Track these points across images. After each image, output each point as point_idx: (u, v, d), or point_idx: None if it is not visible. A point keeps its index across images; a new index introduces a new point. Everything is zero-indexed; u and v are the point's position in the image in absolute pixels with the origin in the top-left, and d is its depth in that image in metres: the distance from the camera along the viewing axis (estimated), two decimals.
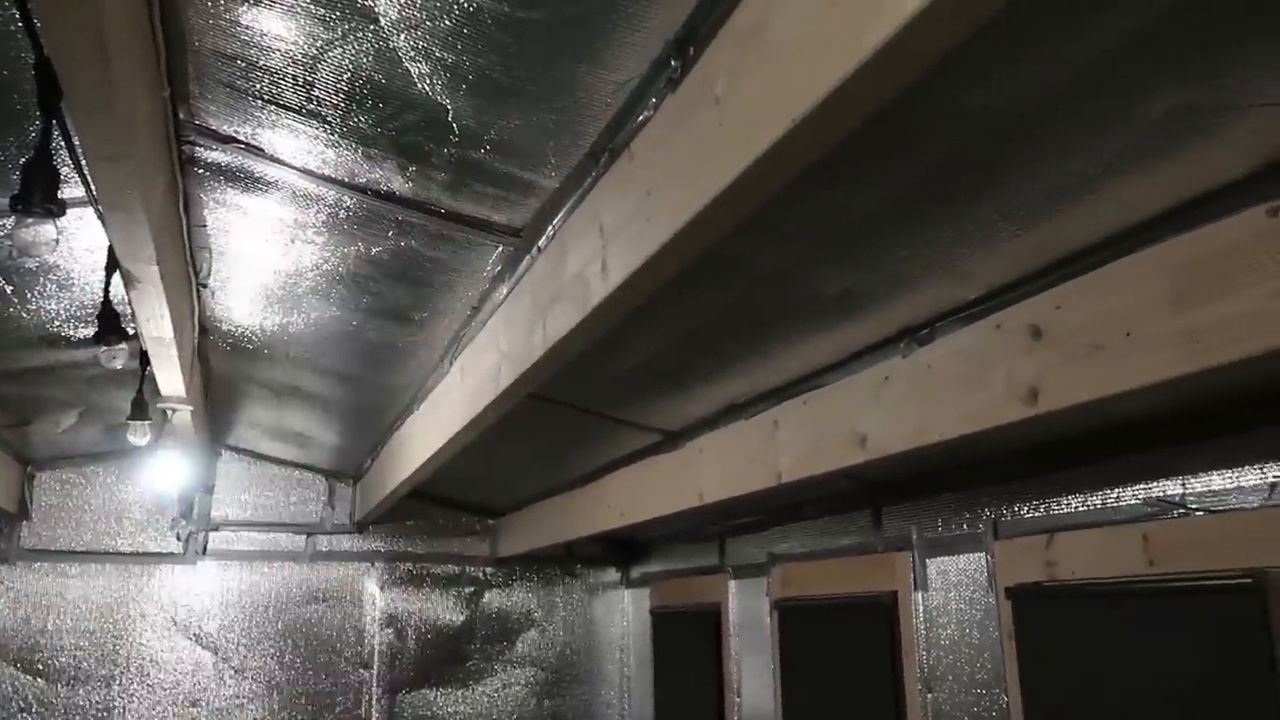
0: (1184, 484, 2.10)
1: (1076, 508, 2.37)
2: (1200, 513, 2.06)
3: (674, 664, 4.41)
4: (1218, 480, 2.02)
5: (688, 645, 4.28)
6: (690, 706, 4.18)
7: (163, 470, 3.54)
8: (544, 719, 4.80)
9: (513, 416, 3.15)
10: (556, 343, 1.75)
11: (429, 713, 4.63)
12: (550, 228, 1.81)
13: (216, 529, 4.56)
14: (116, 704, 4.24)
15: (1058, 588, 2.34)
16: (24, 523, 4.26)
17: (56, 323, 2.60)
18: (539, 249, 1.89)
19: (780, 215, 1.70)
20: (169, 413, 2.83)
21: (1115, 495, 2.26)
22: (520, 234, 1.90)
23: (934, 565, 2.83)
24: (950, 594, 2.75)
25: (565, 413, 2.98)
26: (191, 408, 2.84)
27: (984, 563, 2.62)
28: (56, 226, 1.66)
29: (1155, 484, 2.16)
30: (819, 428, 2.25)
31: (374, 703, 4.55)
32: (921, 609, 2.84)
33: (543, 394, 2.83)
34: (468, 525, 4.91)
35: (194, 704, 4.34)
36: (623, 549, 5.09)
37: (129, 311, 2.10)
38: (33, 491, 4.31)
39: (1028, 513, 2.51)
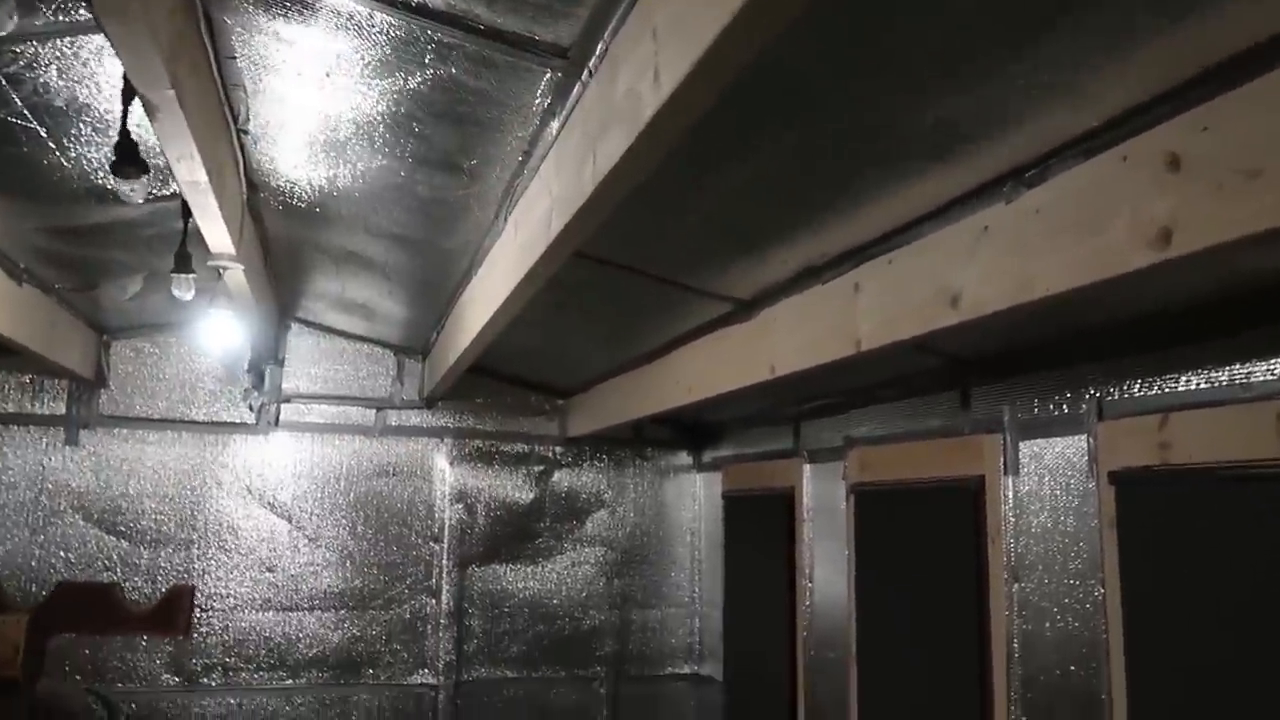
0: None
1: (1198, 384, 2.10)
2: None
3: (745, 548, 4.31)
4: None
5: (759, 530, 4.16)
6: (761, 590, 4.08)
7: (217, 331, 3.48)
8: (613, 598, 4.77)
9: (577, 285, 2.99)
10: (607, 175, 1.54)
11: (498, 587, 4.64)
12: (600, 44, 1.59)
13: (288, 401, 4.56)
14: (196, 566, 4.34)
15: (1171, 472, 2.10)
16: (102, 390, 4.31)
17: (100, 174, 2.49)
18: (590, 72, 1.67)
19: (861, 28, 1.44)
20: (220, 271, 2.73)
21: (1246, 370, 1.98)
22: (568, 54, 1.67)
23: (1027, 449, 2.60)
24: (1044, 479, 2.52)
25: (631, 280, 2.79)
26: (243, 266, 2.73)
27: (1085, 445, 2.38)
28: None
29: None
30: (905, 288, 2.01)
31: (444, 575, 4.57)
32: (1011, 495, 2.62)
33: (607, 258, 2.64)
34: (536, 405, 4.82)
35: (270, 569, 4.42)
36: (693, 433, 4.96)
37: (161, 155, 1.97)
38: (109, 359, 4.34)
39: (1139, 390, 2.25)
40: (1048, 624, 2.46)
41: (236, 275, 2.82)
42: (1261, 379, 1.94)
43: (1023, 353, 2.63)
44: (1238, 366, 2.00)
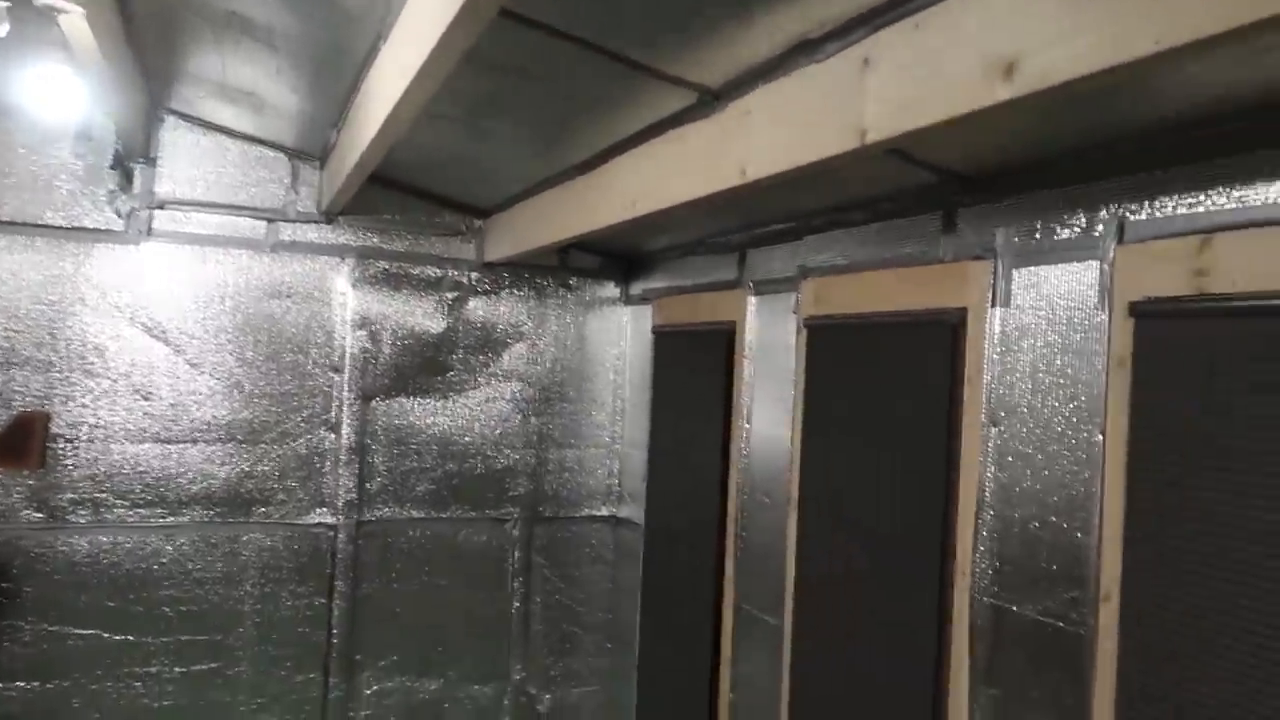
0: None
1: (1246, 200, 1.79)
2: None
3: (676, 387, 4.00)
4: None
5: (693, 368, 3.85)
6: (691, 432, 3.81)
7: (52, 93, 2.86)
8: (529, 436, 4.46)
9: (504, 68, 2.49)
10: None
11: (405, 422, 4.26)
12: None
13: (162, 207, 3.96)
14: (57, 392, 3.82)
15: (1209, 302, 1.81)
16: None
17: None
18: None
19: None
20: (54, 14, 2.14)
21: None
22: None
23: (1021, 277, 2.29)
24: (1040, 312, 2.22)
25: (569, 60, 2.32)
26: (84, 10, 2.15)
27: (1097, 272, 2.07)
28: None
29: None
30: (934, 59, 1.61)
31: (345, 408, 4.16)
32: (998, 329, 2.33)
33: (540, 20, 2.15)
34: (451, 224, 4.32)
35: (145, 397, 3.93)
36: (623, 262, 4.56)
37: None
38: None
39: (1172, 208, 1.93)
40: (1029, 472, 2.22)
41: (78, 24, 2.23)
42: None
43: (1024, 166, 2.29)
44: None
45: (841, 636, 2.79)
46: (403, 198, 4.19)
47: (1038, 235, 2.25)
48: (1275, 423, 1.67)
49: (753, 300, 3.44)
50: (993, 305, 2.35)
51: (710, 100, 2.31)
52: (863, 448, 2.75)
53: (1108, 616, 1.99)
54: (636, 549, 4.29)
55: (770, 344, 3.33)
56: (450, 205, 4.25)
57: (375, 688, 4.21)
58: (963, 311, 2.42)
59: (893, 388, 2.65)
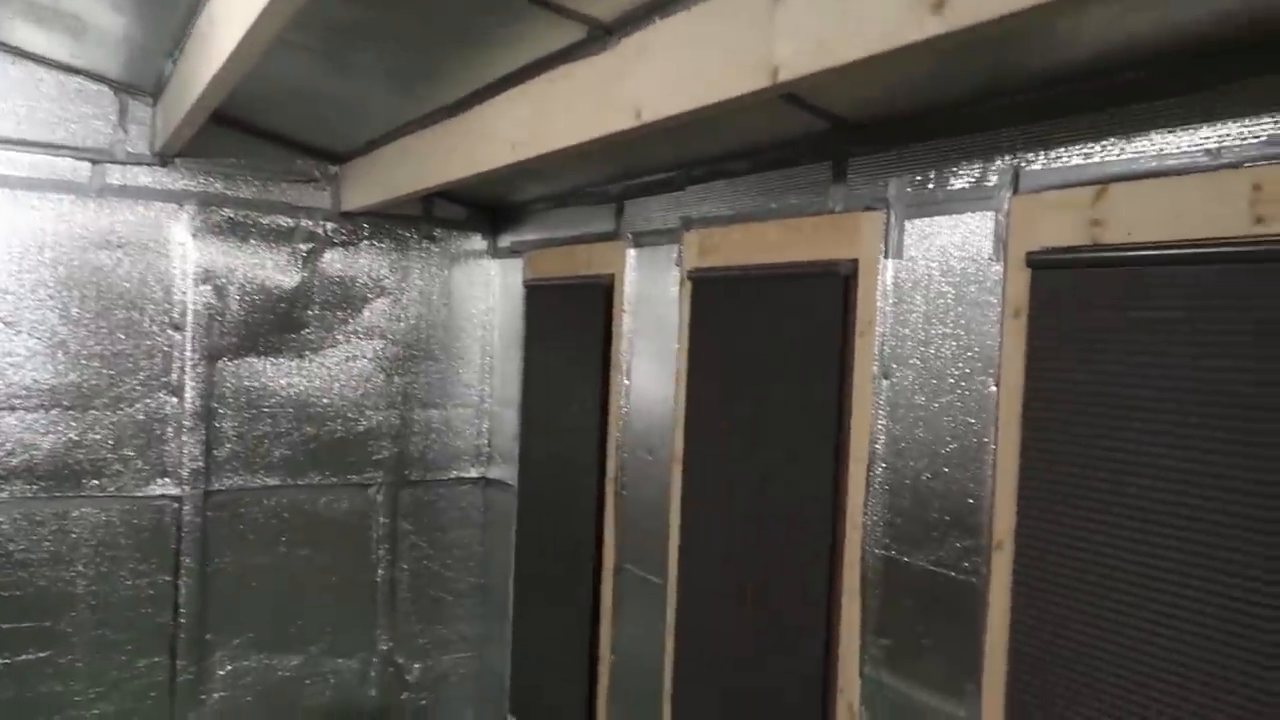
0: None
1: (1143, 150, 1.80)
2: None
3: (549, 343, 3.86)
4: None
5: (568, 323, 3.72)
6: (567, 389, 3.68)
7: None
8: (393, 396, 4.23)
9: None
10: None
11: (256, 384, 3.95)
12: None
13: None
14: None
15: (1105, 253, 1.82)
16: None
17: None
18: None
19: None
20: None
21: (1218, 134, 1.68)
22: None
23: (914, 228, 2.26)
24: (933, 263, 2.20)
25: None
26: None
27: (992, 223, 2.07)
28: None
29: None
30: None
31: (188, 369, 3.82)
32: (890, 281, 2.31)
33: None
34: (304, 170, 4.01)
35: None
36: (491, 214, 4.36)
37: None
38: None
39: (1069, 158, 1.93)
40: (922, 424, 2.22)
41: None
42: (1236, 144, 1.66)
43: (919, 114, 2.26)
44: (1204, 129, 1.70)
45: (729, 594, 2.75)
46: (249, 139, 3.85)
47: (931, 185, 2.22)
48: (1168, 371, 1.70)
49: (632, 253, 3.33)
50: (885, 257, 2.32)
51: (601, 35, 2.17)
52: (751, 402, 2.70)
53: (1000, 565, 2.01)
54: (509, 511, 4.15)
55: (651, 297, 3.23)
56: (303, 149, 3.93)
57: (230, 667, 3.94)
58: (854, 263, 2.38)
59: (782, 341, 2.61)
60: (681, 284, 3.02)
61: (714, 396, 2.86)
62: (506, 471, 4.22)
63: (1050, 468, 1.90)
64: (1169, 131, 1.76)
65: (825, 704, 2.42)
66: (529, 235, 4.10)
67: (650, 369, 3.22)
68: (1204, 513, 1.64)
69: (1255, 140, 1.63)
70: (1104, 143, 1.86)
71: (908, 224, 2.28)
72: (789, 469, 2.56)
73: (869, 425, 2.34)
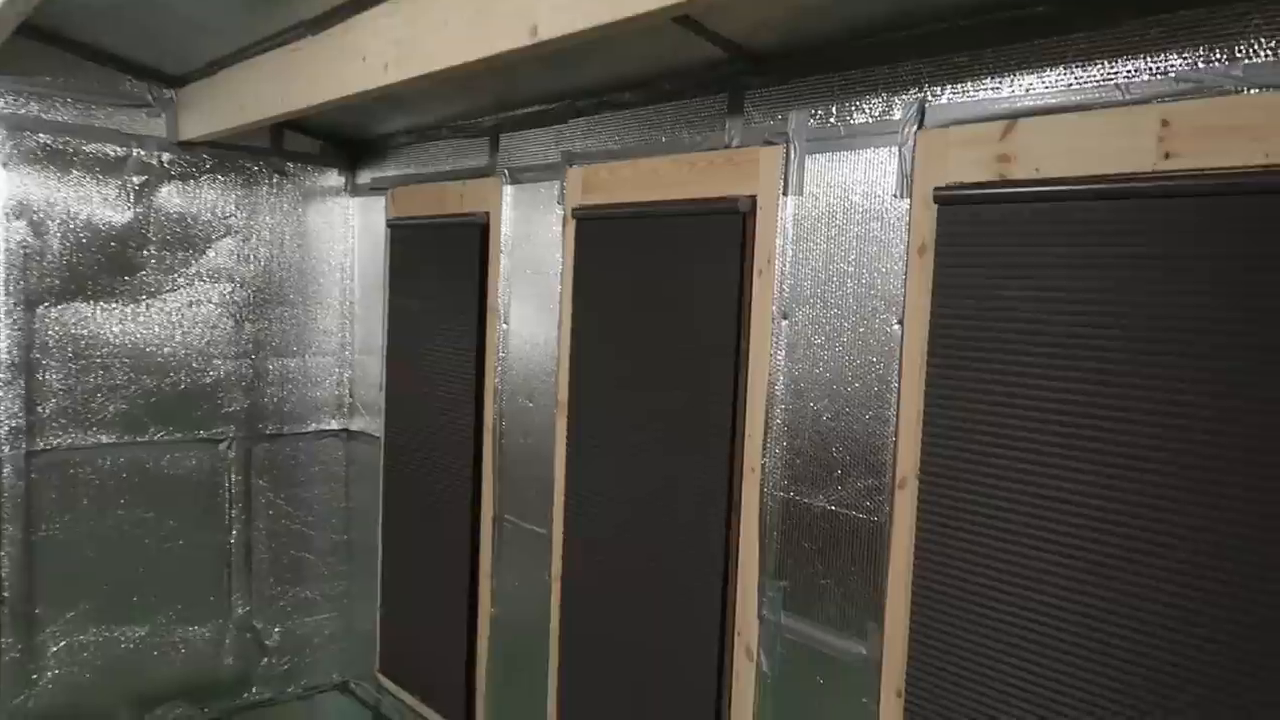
0: (1236, 48, 1.56)
1: (1052, 84, 1.79)
2: (1255, 91, 1.54)
3: (418, 287, 3.65)
4: None
5: (439, 265, 3.51)
6: (438, 335, 3.49)
7: None
8: (243, 345, 3.92)
9: None
10: None
11: (85, 332, 3.57)
12: None
13: None
14: None
15: (1013, 188, 1.80)
16: None
17: None
18: None
19: None
20: None
21: (1127, 68, 1.68)
22: None
23: (815, 164, 2.21)
24: (835, 200, 2.16)
25: None
26: None
27: (897, 158, 2.03)
28: None
29: (1190, 52, 1.61)
30: None
31: (0, 316, 3.40)
32: (790, 218, 2.25)
33: None
34: (135, 93, 3.60)
35: None
36: (349, 147, 4.07)
37: None
38: None
39: (974, 92, 1.91)
40: (822, 364, 2.18)
41: None
42: (1145, 79, 1.66)
43: (819, 46, 2.19)
44: (1113, 64, 1.70)
45: (620, 542, 2.68)
46: (70, 57, 3.41)
47: (833, 120, 2.17)
48: (1074, 306, 1.71)
49: (509, 190, 3.16)
50: (785, 194, 2.26)
51: None
52: (643, 345, 2.61)
53: (903, 503, 2.01)
54: (374, 464, 3.94)
55: (531, 237, 3.08)
56: (134, 68, 3.52)
57: (63, 643, 3.59)
58: (752, 200, 2.31)
59: (675, 282, 2.52)
60: (565, 223, 2.88)
61: (603, 340, 2.75)
62: (371, 423, 4.00)
63: (955, 404, 1.90)
64: (1078, 66, 1.75)
65: (722, 648, 2.40)
66: (392, 171, 3.84)
67: (530, 313, 3.08)
68: (1111, 445, 1.67)
69: (1165, 76, 1.63)
70: (1012, 77, 1.84)
71: (808, 160, 2.21)
72: (683, 413, 2.49)
73: (767, 366, 2.29)
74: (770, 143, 2.29)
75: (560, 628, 2.92)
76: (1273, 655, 1.49)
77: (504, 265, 3.18)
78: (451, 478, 3.41)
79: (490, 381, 3.24)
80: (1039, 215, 1.77)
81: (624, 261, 2.67)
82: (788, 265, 2.25)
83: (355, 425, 4.14)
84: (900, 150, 2.02)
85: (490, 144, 3.25)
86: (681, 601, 2.50)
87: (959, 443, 1.89)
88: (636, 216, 2.62)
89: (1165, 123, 1.61)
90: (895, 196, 2.04)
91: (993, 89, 1.87)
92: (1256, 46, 1.53)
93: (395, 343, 3.79)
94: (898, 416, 2.02)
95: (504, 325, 3.19)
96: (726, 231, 2.35)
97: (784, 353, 2.26)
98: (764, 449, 2.30)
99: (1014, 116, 1.82)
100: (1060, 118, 1.76)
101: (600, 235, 2.75)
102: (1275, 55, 1.51)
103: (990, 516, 1.84)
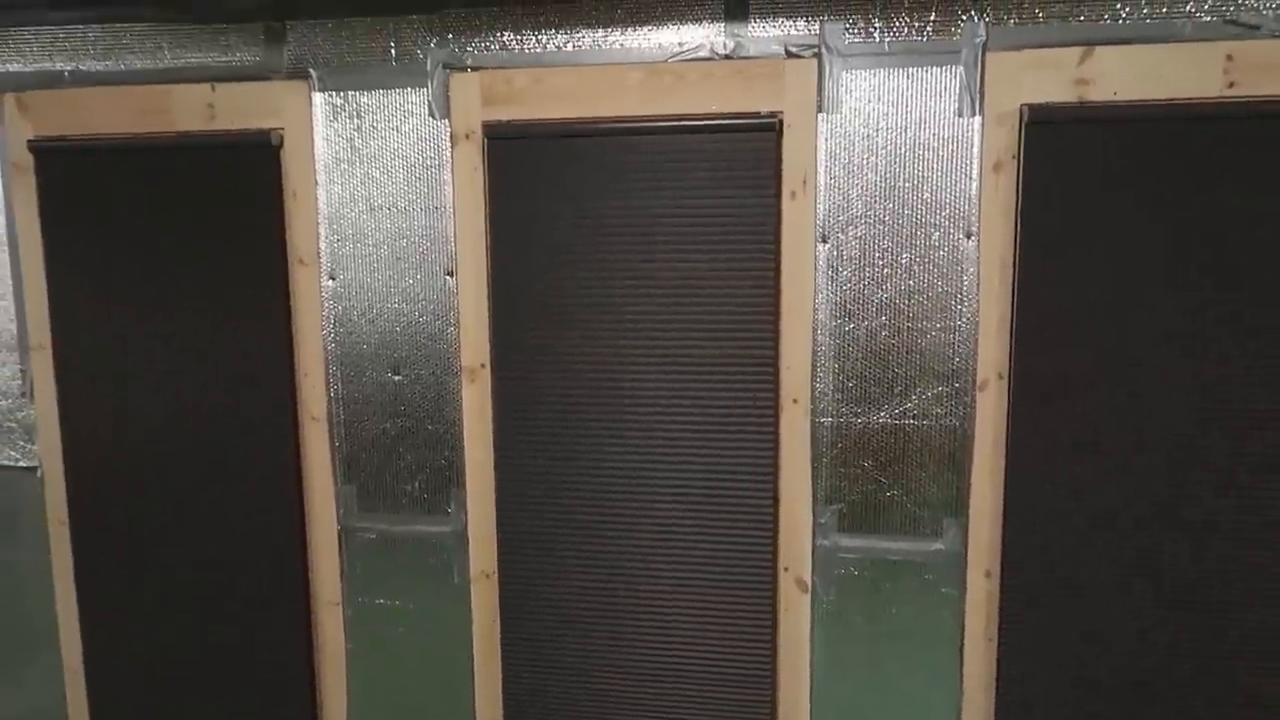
0: None
1: (1129, 15, 2.05)
2: None
3: (103, 243, 2.51)
4: None
5: (163, 208, 2.48)
6: (176, 308, 2.49)
7: None
8: None
9: None
10: None
11: None
12: None
13: None
14: None
15: (1095, 109, 2.04)
16: None
17: None
18: None
19: None
20: None
21: (1188, 6, 2.02)
22: None
23: (855, 79, 2.15)
24: (881, 118, 2.15)
25: None
26: None
27: (959, 78, 2.10)
28: None
29: None
30: None
31: None
32: (826, 137, 2.17)
33: None
34: None
35: None
36: None
37: None
38: None
39: (1044, 19, 2.07)
40: (874, 285, 2.19)
41: None
42: (1206, 19, 2.01)
43: None
44: (1185, 4, 2.02)
45: (624, 517, 2.35)
46: None
47: (875, 34, 2.13)
48: (1151, 218, 2.04)
49: (320, 98, 2.37)
50: (820, 110, 2.16)
51: None
52: (646, 281, 2.27)
53: (988, 402, 2.17)
54: (33, 508, 2.68)
55: (375, 162, 2.37)
56: None
57: None
58: (776, 118, 2.16)
59: (670, 212, 2.23)
60: (456, 143, 2.29)
61: (557, 281, 2.30)
62: (18, 450, 2.68)
63: (1046, 307, 2.11)
64: (1145, 4, 2.03)
65: (774, 591, 2.31)
66: (15, 66, 2.52)
67: (383, 261, 2.40)
68: (1192, 346, 2.05)
69: (1227, 15, 2.00)
70: (1092, 4, 2.05)
71: (844, 75, 2.15)
72: (712, 348, 2.26)
73: (810, 295, 2.21)
74: (794, 55, 2.15)
75: (498, 630, 2.45)
76: None
77: (321, 201, 2.40)
78: (249, 498, 2.52)
79: (309, 357, 2.46)
80: (1119, 134, 2.04)
81: (582, 190, 2.26)
82: (823, 187, 2.18)
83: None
84: (963, 70, 2.10)
85: (268, 33, 2.37)
86: (721, 554, 2.32)
87: (1051, 340, 2.12)
88: (602, 134, 2.22)
89: (1230, 57, 1.99)
90: (958, 115, 2.12)
91: (1073, 14, 2.06)
92: None
93: (63, 326, 2.57)
94: (978, 324, 2.16)
95: (327, 280, 2.43)
96: (751, 152, 2.17)
97: (826, 277, 2.21)
98: (812, 377, 2.24)
99: (1092, 44, 2.04)
100: (1135, 48, 2.03)
101: (532, 158, 2.27)
102: None
103: (1078, 412, 2.12)
